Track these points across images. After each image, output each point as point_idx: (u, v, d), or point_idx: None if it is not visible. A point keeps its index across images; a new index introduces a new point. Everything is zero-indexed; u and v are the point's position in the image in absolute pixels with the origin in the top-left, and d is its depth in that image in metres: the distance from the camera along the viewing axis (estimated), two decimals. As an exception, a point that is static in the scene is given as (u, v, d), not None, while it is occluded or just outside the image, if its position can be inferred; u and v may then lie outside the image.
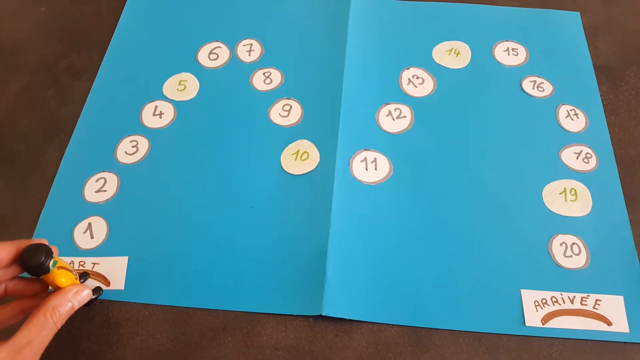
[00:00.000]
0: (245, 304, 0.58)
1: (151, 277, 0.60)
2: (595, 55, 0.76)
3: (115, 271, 0.60)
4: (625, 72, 0.74)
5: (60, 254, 0.60)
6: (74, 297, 0.50)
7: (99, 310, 0.58)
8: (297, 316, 0.57)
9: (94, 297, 0.53)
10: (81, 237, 0.62)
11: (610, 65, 0.75)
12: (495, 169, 0.66)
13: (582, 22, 0.79)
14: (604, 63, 0.75)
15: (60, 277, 0.50)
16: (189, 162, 0.67)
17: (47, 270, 0.49)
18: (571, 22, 0.79)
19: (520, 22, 0.79)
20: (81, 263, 0.60)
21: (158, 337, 0.57)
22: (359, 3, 0.80)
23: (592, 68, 0.74)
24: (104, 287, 0.59)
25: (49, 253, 0.48)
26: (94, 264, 0.60)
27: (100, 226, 0.63)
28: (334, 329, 0.57)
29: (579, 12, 0.80)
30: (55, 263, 0.49)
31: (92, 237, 0.62)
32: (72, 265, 0.60)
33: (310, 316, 0.57)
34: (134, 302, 0.58)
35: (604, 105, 0.71)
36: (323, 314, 0.56)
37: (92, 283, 0.58)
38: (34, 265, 0.48)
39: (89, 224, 0.63)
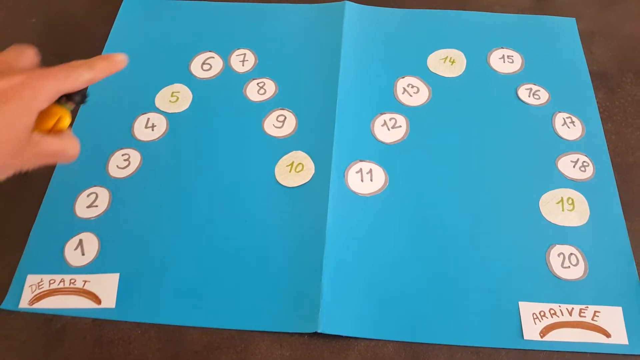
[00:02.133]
0: (240, 321, 0.57)
1: (143, 294, 0.59)
2: (591, 61, 0.75)
3: (106, 289, 0.59)
4: (622, 79, 0.74)
5: (51, 272, 0.60)
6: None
7: (90, 330, 0.57)
8: (292, 333, 0.56)
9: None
10: (72, 254, 0.61)
11: (606, 71, 0.75)
12: (492, 178, 0.65)
13: (578, 28, 0.79)
14: (600, 69, 0.75)
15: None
16: (182, 175, 0.66)
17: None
18: (567, 28, 0.79)
19: (516, 29, 0.79)
20: (72, 281, 0.59)
21: (150, 357, 0.56)
22: (353, 12, 0.80)
23: (588, 75, 0.74)
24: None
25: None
26: (85, 281, 0.59)
27: (91, 242, 0.62)
28: (330, 346, 0.56)
29: (574, 18, 0.80)
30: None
31: (83, 254, 0.61)
32: (62, 283, 0.59)
33: (305, 333, 0.56)
34: (126, 321, 0.57)
35: (600, 113, 0.70)
36: (319, 331, 0.55)
37: None
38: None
39: (80, 240, 0.62)
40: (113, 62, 0.53)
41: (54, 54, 0.78)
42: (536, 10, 0.81)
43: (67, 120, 0.50)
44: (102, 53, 0.78)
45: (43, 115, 0.47)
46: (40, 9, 0.85)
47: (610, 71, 0.75)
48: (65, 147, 0.49)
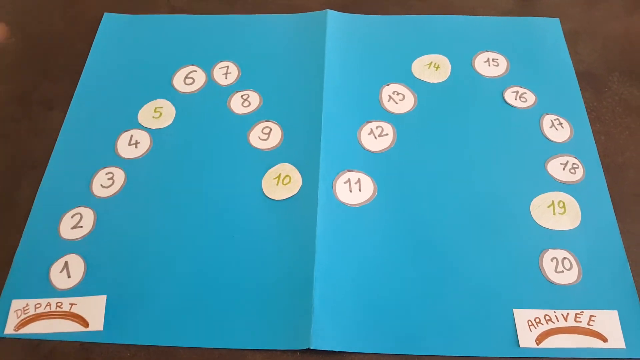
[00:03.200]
0: (230, 340, 0.56)
1: (131, 315, 0.58)
2: (577, 61, 0.75)
3: (93, 311, 0.57)
4: (608, 78, 0.74)
5: (36, 296, 0.60)
6: None
7: (78, 353, 0.56)
8: (284, 351, 0.55)
9: None
10: (57, 277, 0.60)
11: (592, 71, 0.74)
12: (481, 184, 0.65)
13: (562, 29, 0.78)
14: (586, 69, 0.74)
15: None
16: (167, 192, 0.65)
17: None
18: (551, 28, 0.79)
19: (500, 32, 0.78)
20: (58, 304, 0.58)
21: (140, 380, 0.55)
22: (336, 21, 0.79)
23: (575, 75, 0.73)
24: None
25: None
26: (72, 304, 0.58)
27: (77, 264, 0.61)
28: (323, 363, 0.55)
29: (558, 19, 0.80)
30: None
31: (69, 277, 0.60)
32: (48, 307, 0.58)
33: (298, 350, 0.55)
34: (114, 344, 0.56)
35: (588, 113, 0.70)
36: (311, 347, 0.54)
37: None
38: None
39: (66, 262, 0.61)
40: None
41: (34, 73, 0.78)
42: (519, 11, 0.81)
43: None
44: (84, 70, 0.77)
45: None
46: (19, 28, 0.84)
47: (597, 71, 0.74)
48: None
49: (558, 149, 0.67)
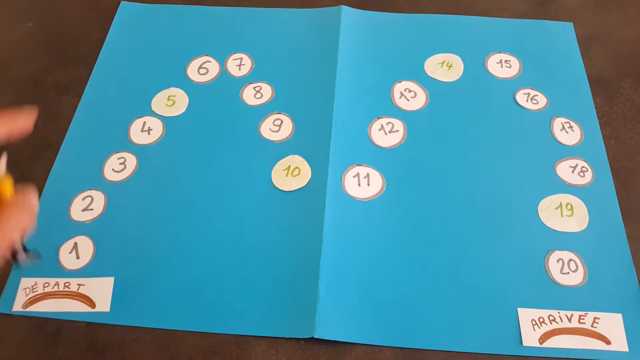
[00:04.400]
0: (235, 326, 0.56)
1: (138, 298, 0.58)
2: (589, 66, 0.75)
3: (100, 292, 0.58)
4: (620, 84, 0.74)
5: (45, 275, 0.60)
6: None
7: (84, 333, 0.56)
8: (288, 339, 0.56)
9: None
10: (67, 258, 0.60)
11: (604, 76, 0.74)
12: (490, 184, 0.65)
13: (576, 33, 0.79)
14: (598, 74, 0.74)
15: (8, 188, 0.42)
16: (178, 179, 0.66)
17: None
18: (564, 33, 0.79)
19: (513, 34, 0.78)
20: (66, 284, 0.59)
21: (145, 362, 0.55)
22: (350, 16, 0.80)
23: (587, 79, 0.73)
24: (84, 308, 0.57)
25: None
26: (80, 285, 0.59)
27: (86, 246, 0.61)
28: (326, 352, 0.55)
29: (572, 23, 0.80)
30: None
31: (77, 258, 0.60)
32: (56, 286, 0.58)
33: (302, 338, 0.56)
34: (120, 325, 0.57)
35: (599, 118, 0.70)
36: (315, 337, 0.54)
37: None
38: None
39: (75, 243, 0.61)
40: (15, 122, 0.44)
41: (50, 58, 0.79)
42: (534, 14, 0.81)
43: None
44: (99, 57, 0.78)
45: None
46: (37, 13, 0.85)
47: (609, 76, 0.74)
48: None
49: (568, 151, 0.67)
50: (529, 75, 0.74)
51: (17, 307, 0.57)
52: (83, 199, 0.64)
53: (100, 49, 0.79)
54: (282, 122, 0.70)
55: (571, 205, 0.63)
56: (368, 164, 0.66)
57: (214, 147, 0.68)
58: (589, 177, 0.65)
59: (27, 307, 0.57)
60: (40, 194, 0.65)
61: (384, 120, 0.70)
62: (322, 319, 0.55)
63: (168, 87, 0.74)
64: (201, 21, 0.81)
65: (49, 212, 0.64)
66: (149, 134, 0.70)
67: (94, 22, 0.82)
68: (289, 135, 0.69)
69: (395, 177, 0.65)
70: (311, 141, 0.68)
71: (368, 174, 0.66)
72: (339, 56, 0.75)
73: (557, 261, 0.60)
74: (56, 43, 0.81)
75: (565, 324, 0.56)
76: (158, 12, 0.83)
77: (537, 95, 0.72)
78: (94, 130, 0.70)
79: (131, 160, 0.67)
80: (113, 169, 0.67)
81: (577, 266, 0.59)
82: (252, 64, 0.76)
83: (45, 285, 0.59)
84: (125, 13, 0.83)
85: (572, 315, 0.56)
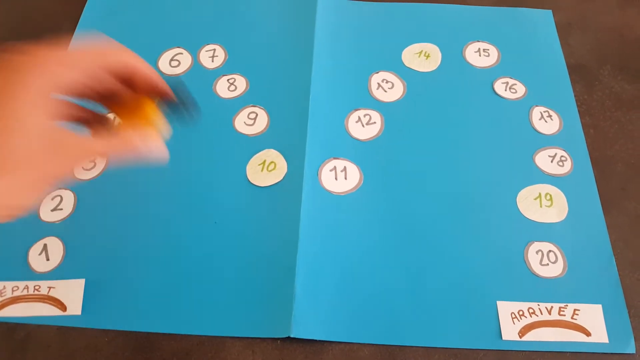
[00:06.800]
0: (210, 327, 0.55)
1: (110, 300, 0.57)
2: (568, 54, 0.74)
3: (71, 295, 0.57)
4: (599, 71, 0.73)
5: (14, 278, 0.58)
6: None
7: (55, 338, 0.55)
8: (264, 339, 0.55)
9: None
10: (36, 259, 0.59)
11: (583, 64, 0.74)
12: (468, 175, 0.64)
13: (555, 20, 0.78)
14: (577, 62, 0.74)
15: None
16: (148, 176, 0.64)
17: None
18: (543, 20, 0.78)
19: (491, 22, 0.77)
20: (36, 287, 0.57)
21: (118, 365, 0.54)
22: (326, 6, 0.78)
23: (566, 67, 0.73)
24: (60, 312, 0.56)
25: None
26: (50, 287, 0.57)
27: (56, 247, 0.60)
28: (303, 351, 0.54)
29: (550, 10, 0.79)
30: None
31: (47, 259, 0.59)
32: (26, 290, 0.57)
33: (278, 338, 0.55)
34: (92, 328, 0.55)
35: (578, 106, 0.69)
36: (292, 336, 0.53)
37: None
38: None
39: (45, 245, 0.60)
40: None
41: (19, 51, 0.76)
42: (512, 2, 0.80)
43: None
44: (68, 50, 0.75)
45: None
46: (4, 6, 0.82)
47: (588, 64, 0.74)
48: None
49: (547, 141, 0.66)
50: (507, 63, 0.73)
51: (-15, 312, 0.56)
52: (52, 199, 0.63)
53: (70, 41, 0.76)
54: (257, 115, 0.69)
55: (550, 196, 0.62)
56: (345, 157, 0.65)
57: (186, 141, 0.66)
58: (568, 166, 0.64)
59: (-5, 312, 0.56)
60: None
61: (361, 112, 0.69)
62: (298, 317, 0.54)
63: (139, 80, 0.72)
64: (173, 11, 0.79)
65: (17, 212, 0.62)
66: (119, 130, 0.68)
67: (62, 13, 0.80)
68: (264, 128, 0.67)
69: (373, 170, 0.64)
70: (287, 135, 0.67)
71: (345, 168, 0.64)
72: (315, 46, 0.73)
73: (537, 252, 0.59)
74: (25, 36, 0.78)
75: (545, 317, 0.55)
76: (129, 3, 0.80)
77: (515, 84, 0.71)
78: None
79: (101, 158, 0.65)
80: (83, 167, 0.65)
81: (556, 257, 0.59)
82: (225, 55, 0.74)
83: (15, 288, 0.57)
84: (95, 4, 0.80)
85: (552, 307, 0.56)
